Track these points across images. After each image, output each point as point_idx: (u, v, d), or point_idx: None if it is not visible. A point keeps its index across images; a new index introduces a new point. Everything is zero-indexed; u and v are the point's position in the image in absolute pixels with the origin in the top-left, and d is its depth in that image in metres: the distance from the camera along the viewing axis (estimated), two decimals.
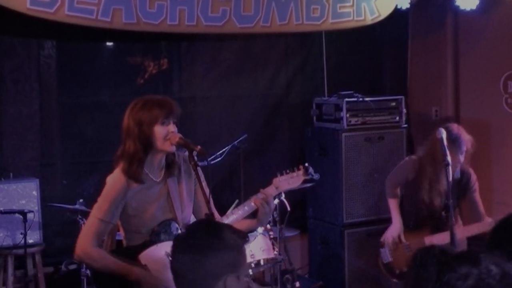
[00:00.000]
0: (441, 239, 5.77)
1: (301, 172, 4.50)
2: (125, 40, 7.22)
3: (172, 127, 4.19)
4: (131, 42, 7.28)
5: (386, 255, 6.27)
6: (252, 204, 4.38)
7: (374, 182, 7.35)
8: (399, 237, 6.19)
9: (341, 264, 7.32)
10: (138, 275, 4.10)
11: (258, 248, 5.87)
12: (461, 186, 6.00)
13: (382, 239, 6.29)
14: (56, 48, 6.96)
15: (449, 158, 5.41)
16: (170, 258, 2.83)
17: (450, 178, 5.42)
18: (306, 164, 4.51)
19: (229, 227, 2.91)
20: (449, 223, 5.48)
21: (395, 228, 6.23)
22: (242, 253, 2.82)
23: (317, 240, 7.68)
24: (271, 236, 6.13)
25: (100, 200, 4.22)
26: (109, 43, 7.34)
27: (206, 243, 2.72)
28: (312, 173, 4.51)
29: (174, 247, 2.81)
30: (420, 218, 6.11)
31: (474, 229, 5.87)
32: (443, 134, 5.60)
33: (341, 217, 7.30)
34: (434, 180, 5.91)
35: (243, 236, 2.91)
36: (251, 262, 5.80)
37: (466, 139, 5.84)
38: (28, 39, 6.83)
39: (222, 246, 2.72)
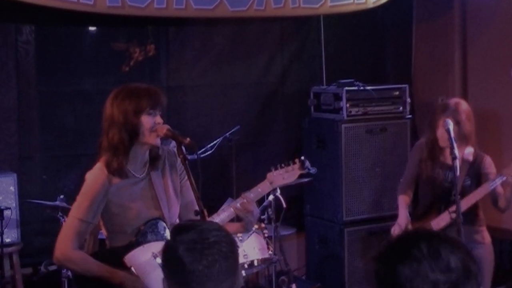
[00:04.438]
0: (446, 219, 5.79)
1: (297, 166, 4.51)
2: (109, 25, 7.20)
3: (159, 119, 4.18)
4: (115, 27, 7.25)
5: None
6: (231, 210, 4.38)
7: (376, 177, 7.36)
8: (406, 227, 6.15)
9: (341, 264, 7.31)
10: (122, 279, 4.08)
11: (251, 248, 5.86)
12: (474, 169, 5.97)
13: (392, 231, 6.22)
14: (34, 33, 6.93)
15: (456, 152, 5.42)
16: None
17: (458, 172, 5.44)
18: (302, 158, 4.52)
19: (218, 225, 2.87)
20: (457, 218, 5.47)
21: (402, 218, 6.17)
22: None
23: (315, 239, 7.67)
24: (266, 235, 6.12)
25: (79, 198, 4.21)
26: (92, 28, 7.31)
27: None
28: (309, 166, 4.53)
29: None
30: (428, 203, 6.09)
31: (476, 195, 5.84)
32: (450, 125, 5.60)
33: (341, 215, 7.30)
34: (435, 157, 5.92)
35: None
36: (244, 263, 5.79)
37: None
38: (5, 24, 6.80)
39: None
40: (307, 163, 4.51)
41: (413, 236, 2.25)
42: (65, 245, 4.14)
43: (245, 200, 4.38)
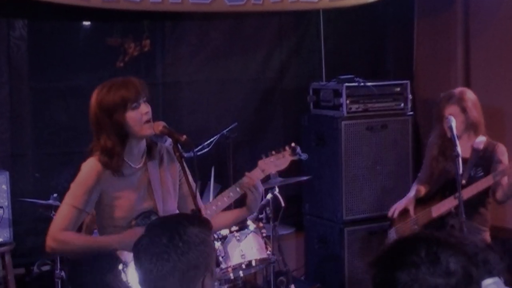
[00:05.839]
0: (447, 206, 5.78)
1: (287, 152, 4.59)
2: (103, 19, 7.17)
3: (145, 107, 4.17)
4: (110, 22, 7.22)
5: (393, 236, 6.17)
6: (238, 190, 4.43)
7: (377, 175, 7.34)
8: (408, 209, 6.11)
9: (341, 265, 7.30)
10: (119, 240, 4.12)
11: (249, 248, 5.85)
12: (485, 158, 5.93)
13: (389, 214, 6.19)
14: (27, 28, 6.90)
15: (459, 149, 5.41)
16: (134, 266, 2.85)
17: (460, 170, 5.43)
18: (293, 144, 4.60)
19: (189, 221, 2.88)
20: (460, 218, 5.47)
21: (404, 200, 6.14)
22: (210, 246, 2.85)
23: (314, 239, 7.66)
24: (264, 235, 6.11)
25: (73, 186, 4.24)
26: (86, 23, 7.28)
27: (171, 249, 2.72)
28: (300, 152, 4.62)
29: (136, 256, 2.81)
30: (435, 190, 6.07)
31: (480, 184, 5.81)
32: (452, 122, 5.60)
33: (341, 214, 7.29)
34: (446, 151, 5.91)
35: (207, 226, 2.90)
36: (241, 263, 5.78)
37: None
38: None
39: (187, 248, 2.73)
40: (298, 149, 4.59)
41: (411, 241, 2.23)
42: (55, 229, 4.16)
43: (250, 178, 4.44)
